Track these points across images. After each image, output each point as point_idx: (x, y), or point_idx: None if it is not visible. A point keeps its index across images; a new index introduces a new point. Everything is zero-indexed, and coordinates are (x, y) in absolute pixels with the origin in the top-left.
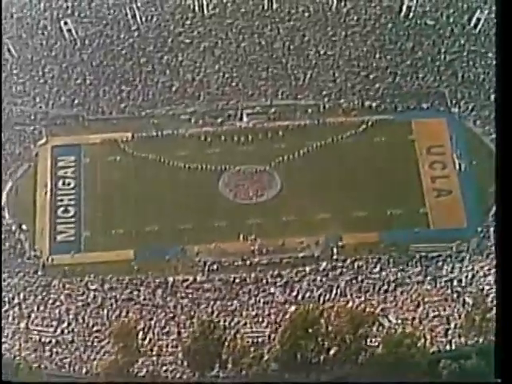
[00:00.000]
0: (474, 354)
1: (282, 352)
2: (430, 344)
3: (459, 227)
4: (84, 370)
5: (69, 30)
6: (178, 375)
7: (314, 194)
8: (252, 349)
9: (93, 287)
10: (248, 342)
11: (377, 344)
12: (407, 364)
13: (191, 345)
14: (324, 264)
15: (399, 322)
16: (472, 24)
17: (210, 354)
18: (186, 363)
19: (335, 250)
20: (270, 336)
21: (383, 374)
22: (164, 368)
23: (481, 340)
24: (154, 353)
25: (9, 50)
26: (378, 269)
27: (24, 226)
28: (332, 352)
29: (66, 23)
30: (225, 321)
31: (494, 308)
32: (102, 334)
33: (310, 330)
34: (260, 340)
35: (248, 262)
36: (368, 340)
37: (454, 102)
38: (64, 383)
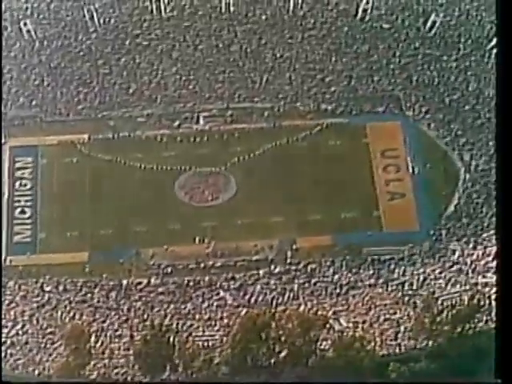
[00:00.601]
0: (423, 356)
1: (232, 355)
2: (380, 347)
3: (412, 230)
4: (37, 372)
5: (28, 31)
6: (128, 378)
7: (269, 197)
8: (203, 352)
9: (48, 289)
10: (199, 345)
11: (327, 347)
12: (356, 367)
13: (142, 348)
14: (278, 267)
15: (350, 325)
16: (427, 27)
17: (161, 358)
18: (137, 366)
19: (289, 254)
20: (221, 339)
21: (332, 377)
22: (115, 371)
23: (430, 343)
24: (106, 355)
25: None
26: (331, 272)
27: None
28: (282, 355)
29: (25, 24)
30: (177, 324)
31: (444, 311)
32: (55, 336)
33: (260, 334)
34: (211, 344)
35: (202, 265)
36: (318, 343)
37: (408, 105)
38: (64, 383)
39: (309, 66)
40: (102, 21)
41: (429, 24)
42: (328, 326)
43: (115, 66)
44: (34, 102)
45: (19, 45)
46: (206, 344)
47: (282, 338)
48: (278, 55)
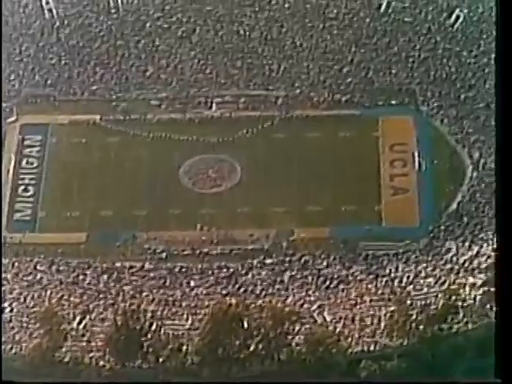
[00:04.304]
0: (396, 355)
1: (206, 345)
2: (356, 344)
3: (411, 226)
4: (13, 351)
5: (49, 10)
6: (101, 363)
7: (273, 187)
8: (182, 340)
9: (41, 268)
10: (179, 334)
11: (301, 342)
12: (327, 363)
13: (114, 333)
14: (271, 258)
15: (332, 319)
16: (450, 22)
17: (134, 344)
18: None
19: (285, 244)
20: (204, 328)
21: (302, 372)
22: (90, 354)
23: (405, 342)
24: (85, 339)
25: None
26: (324, 265)
27: None
28: (252, 348)
29: (47, 2)
30: (163, 310)
31: (429, 309)
32: (38, 315)
33: (232, 325)
34: (192, 332)
35: (197, 252)
36: (293, 337)
37: (423, 99)
38: (64, 383)
39: (327, 56)
40: (124, 1)
41: (452, 19)
42: (308, 319)
43: (134, 47)
44: (48, 81)
45: (39, 22)
46: (186, 333)
47: (256, 331)
48: (298, 43)
